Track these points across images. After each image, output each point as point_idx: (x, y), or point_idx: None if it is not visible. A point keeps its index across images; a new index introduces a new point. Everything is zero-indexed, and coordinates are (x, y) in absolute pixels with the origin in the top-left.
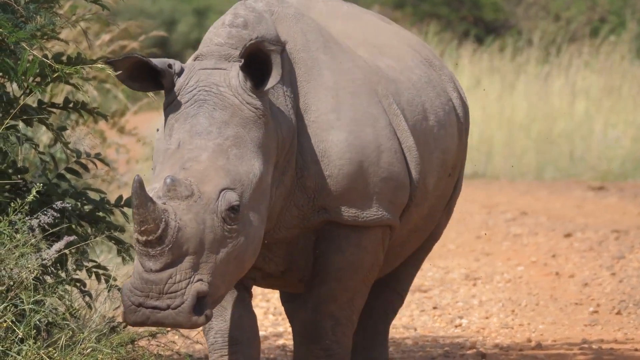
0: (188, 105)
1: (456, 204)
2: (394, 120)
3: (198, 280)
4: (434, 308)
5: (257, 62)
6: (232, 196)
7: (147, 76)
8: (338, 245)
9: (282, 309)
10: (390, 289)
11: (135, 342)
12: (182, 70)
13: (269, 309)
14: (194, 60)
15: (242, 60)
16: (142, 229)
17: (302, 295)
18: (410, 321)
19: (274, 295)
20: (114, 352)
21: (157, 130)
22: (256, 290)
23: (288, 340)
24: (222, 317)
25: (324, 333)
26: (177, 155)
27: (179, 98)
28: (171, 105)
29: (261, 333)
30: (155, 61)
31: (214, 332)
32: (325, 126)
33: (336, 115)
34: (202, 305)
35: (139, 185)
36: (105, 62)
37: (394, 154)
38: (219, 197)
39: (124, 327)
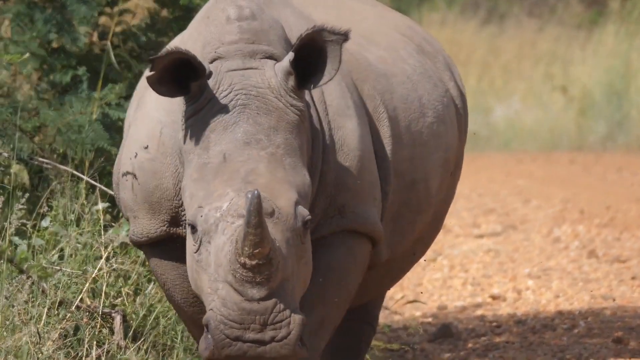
0: (225, 111)
1: None
2: (378, 124)
3: (295, 308)
4: (632, 278)
5: (304, 54)
6: (304, 211)
7: (176, 77)
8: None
9: (480, 279)
10: (361, 321)
11: None
12: (210, 73)
13: (467, 279)
14: (210, 62)
15: (293, 55)
16: (255, 251)
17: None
18: (608, 291)
19: (472, 265)
20: None
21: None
22: (454, 260)
23: (487, 311)
24: None
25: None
26: (227, 168)
27: (210, 105)
28: (200, 113)
29: (459, 303)
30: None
31: None
32: (341, 112)
33: (345, 102)
34: (302, 334)
35: (259, 202)
36: (148, 60)
37: (373, 160)
38: (296, 213)
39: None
